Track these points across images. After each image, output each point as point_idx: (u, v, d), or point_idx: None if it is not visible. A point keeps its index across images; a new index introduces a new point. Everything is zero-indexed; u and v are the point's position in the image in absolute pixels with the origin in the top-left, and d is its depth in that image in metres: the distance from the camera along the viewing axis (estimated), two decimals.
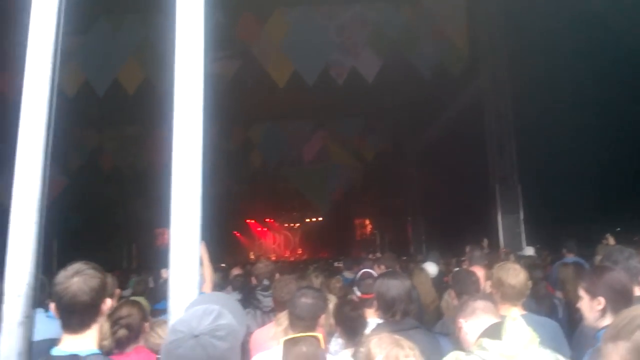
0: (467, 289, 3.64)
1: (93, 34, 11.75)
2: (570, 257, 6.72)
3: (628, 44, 8.82)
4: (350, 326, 3.48)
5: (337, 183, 19.24)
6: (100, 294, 2.27)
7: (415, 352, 2.12)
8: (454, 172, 13.74)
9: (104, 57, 11.79)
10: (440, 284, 6.27)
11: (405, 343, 2.14)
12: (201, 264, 4.58)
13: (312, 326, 3.03)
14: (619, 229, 8.37)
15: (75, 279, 2.22)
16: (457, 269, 5.45)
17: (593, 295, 2.50)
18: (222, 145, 15.67)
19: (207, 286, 4.58)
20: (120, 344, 3.12)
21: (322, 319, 3.16)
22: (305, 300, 3.08)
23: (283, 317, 3.41)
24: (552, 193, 11.59)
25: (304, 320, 3.04)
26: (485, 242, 5.99)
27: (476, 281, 3.79)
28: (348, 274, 7.46)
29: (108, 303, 2.35)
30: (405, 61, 12.37)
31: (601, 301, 2.46)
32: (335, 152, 18.02)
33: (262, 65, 12.05)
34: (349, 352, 3.26)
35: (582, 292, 2.57)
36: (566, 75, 9.70)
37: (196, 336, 1.60)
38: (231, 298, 2.18)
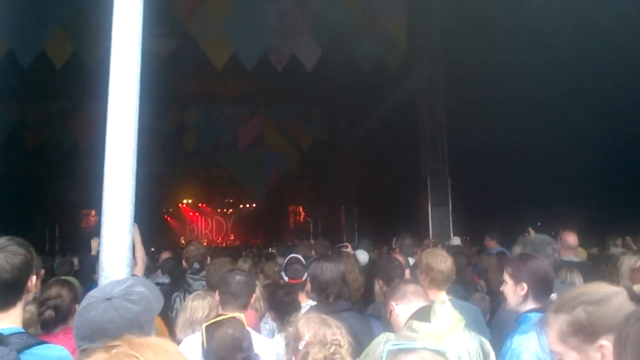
0: (391, 274, 3.75)
1: (20, 2, 11.08)
2: (494, 246, 7.07)
3: (558, 47, 9.32)
4: (284, 310, 3.51)
5: (273, 170, 19.16)
6: (23, 271, 2.14)
7: (342, 331, 2.16)
8: (387, 163, 14.05)
9: (31, 27, 11.12)
10: (371, 271, 6.41)
11: (333, 322, 2.19)
12: (134, 246, 4.48)
13: (245, 305, 3.08)
14: (539, 223, 8.85)
15: None
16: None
17: (517, 280, 2.64)
18: (156, 126, 15.19)
19: (139, 269, 4.49)
20: (45, 326, 3.00)
21: (253, 299, 3.20)
22: (240, 278, 3.11)
23: (187, 307, 3.35)
24: (480, 186, 12.12)
25: (239, 299, 3.06)
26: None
27: (399, 265, 3.92)
28: (281, 260, 7.48)
29: (33, 280, 2.25)
30: (345, 53, 12.47)
31: (524, 287, 2.61)
32: (272, 138, 17.94)
33: (200, 46, 11.78)
34: (281, 335, 3.29)
35: (506, 277, 2.70)
36: (497, 74, 10.14)
37: (109, 299, 1.63)
38: (148, 280, 2.18)
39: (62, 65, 11.64)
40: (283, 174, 19.79)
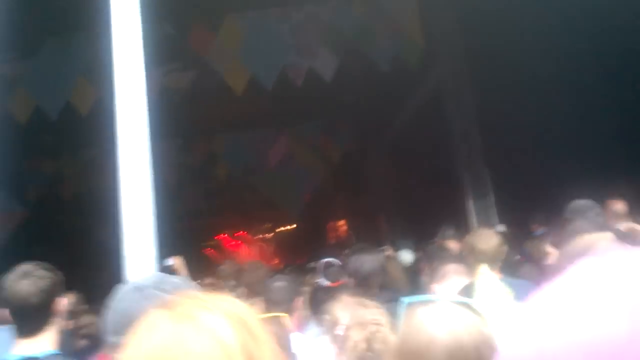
0: (437, 257, 3.57)
1: (41, 57, 11.45)
2: (541, 231, 6.75)
3: (588, 35, 8.89)
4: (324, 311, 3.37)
5: (305, 186, 19.01)
6: (50, 294, 2.16)
7: (381, 311, 2.00)
8: (421, 162, 13.77)
9: (55, 80, 11.46)
10: (417, 270, 6.19)
11: (370, 303, 2.03)
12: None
13: (288, 309, 3.01)
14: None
15: (24, 282, 2.10)
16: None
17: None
18: (186, 160, 15.33)
19: None
20: (81, 355, 2.98)
21: (299, 303, 3.08)
22: (279, 284, 3.03)
23: None
24: (521, 172, 11.64)
25: (280, 305, 2.98)
26: None
27: (448, 250, 3.74)
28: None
29: (64, 302, 2.24)
30: (362, 57, 12.37)
31: None
32: (300, 155, 17.84)
33: (218, 74, 11.88)
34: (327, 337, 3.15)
35: (549, 248, 2.52)
36: (521, 53, 9.75)
37: (139, 288, 1.53)
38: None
39: (88, 112, 11.87)
40: (316, 190, 19.60)
